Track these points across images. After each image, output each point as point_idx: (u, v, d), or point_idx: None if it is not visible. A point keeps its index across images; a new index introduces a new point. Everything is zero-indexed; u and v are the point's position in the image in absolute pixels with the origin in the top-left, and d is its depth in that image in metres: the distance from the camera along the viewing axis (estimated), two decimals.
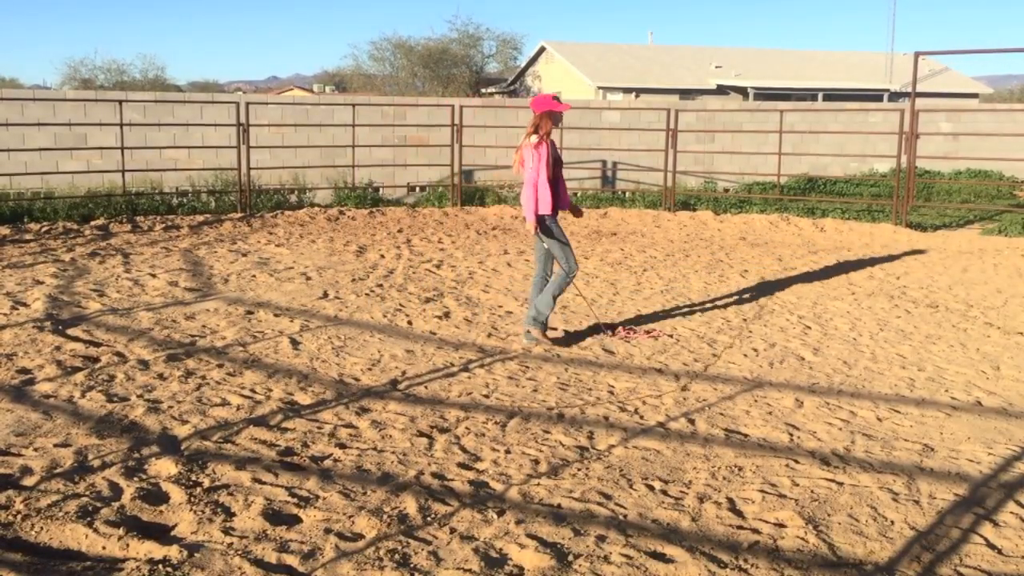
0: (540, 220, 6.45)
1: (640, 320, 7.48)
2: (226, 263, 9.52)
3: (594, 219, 13.61)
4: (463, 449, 4.57)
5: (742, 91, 39.56)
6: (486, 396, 5.43)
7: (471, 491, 4.07)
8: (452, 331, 6.95)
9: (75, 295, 7.74)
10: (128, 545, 3.45)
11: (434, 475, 4.22)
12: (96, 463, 4.19)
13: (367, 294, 8.19)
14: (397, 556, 3.44)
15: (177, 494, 3.91)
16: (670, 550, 3.55)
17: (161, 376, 5.58)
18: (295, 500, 3.90)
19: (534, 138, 6.37)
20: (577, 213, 7.08)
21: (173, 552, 3.38)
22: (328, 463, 4.33)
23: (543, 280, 6.73)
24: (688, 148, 16.00)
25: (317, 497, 3.94)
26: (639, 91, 39.46)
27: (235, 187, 13.55)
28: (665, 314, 7.71)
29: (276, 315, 7.28)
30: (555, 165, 6.49)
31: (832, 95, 38.46)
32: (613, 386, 5.69)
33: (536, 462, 4.41)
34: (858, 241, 12.12)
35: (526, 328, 6.64)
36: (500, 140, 16.02)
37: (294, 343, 6.45)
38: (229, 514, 3.74)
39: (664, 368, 6.12)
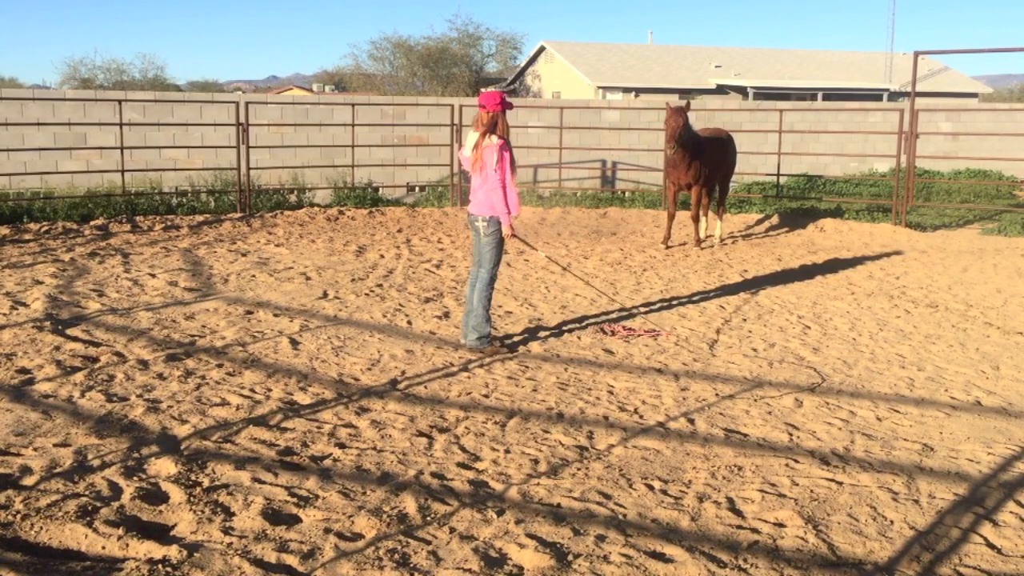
0: (495, 221, 6.24)
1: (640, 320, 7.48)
2: (226, 263, 9.52)
3: (594, 219, 13.61)
4: (463, 449, 4.57)
5: (742, 91, 39.59)
6: (486, 396, 5.43)
7: (471, 491, 4.07)
8: (452, 331, 6.94)
9: (75, 295, 7.74)
10: (128, 545, 3.45)
11: (434, 475, 4.22)
12: (96, 463, 4.20)
13: (367, 294, 8.18)
14: (397, 556, 3.44)
15: (177, 494, 3.91)
16: (670, 550, 3.55)
17: (161, 376, 5.58)
18: (295, 500, 3.90)
19: (495, 139, 6.08)
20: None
21: (173, 552, 3.38)
22: (328, 463, 4.34)
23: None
24: None
25: (317, 497, 3.94)
26: (639, 91, 39.51)
27: (235, 187, 13.54)
28: (665, 314, 7.72)
29: (276, 315, 7.28)
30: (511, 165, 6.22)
31: (832, 95, 38.50)
32: (613, 386, 5.69)
33: (536, 462, 4.41)
34: (858, 241, 12.12)
35: (473, 348, 6.38)
36: None
37: (294, 343, 6.45)
38: (229, 514, 3.74)
39: (664, 368, 6.12)
